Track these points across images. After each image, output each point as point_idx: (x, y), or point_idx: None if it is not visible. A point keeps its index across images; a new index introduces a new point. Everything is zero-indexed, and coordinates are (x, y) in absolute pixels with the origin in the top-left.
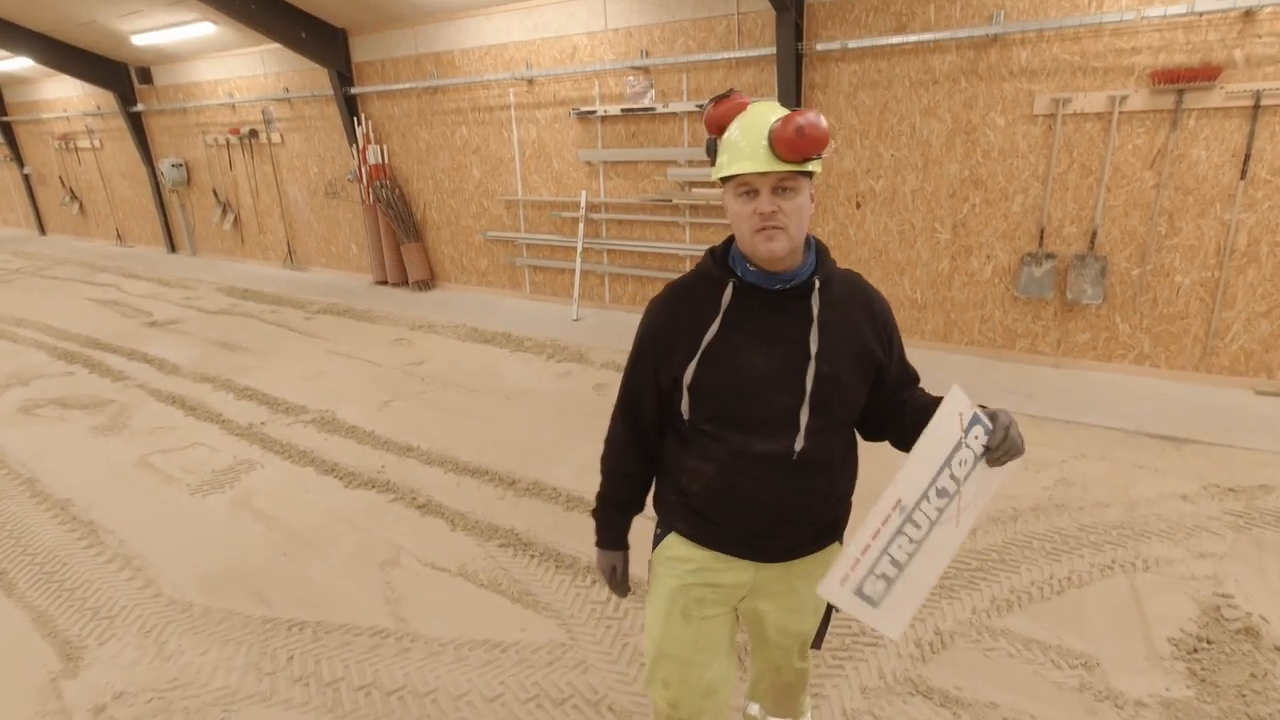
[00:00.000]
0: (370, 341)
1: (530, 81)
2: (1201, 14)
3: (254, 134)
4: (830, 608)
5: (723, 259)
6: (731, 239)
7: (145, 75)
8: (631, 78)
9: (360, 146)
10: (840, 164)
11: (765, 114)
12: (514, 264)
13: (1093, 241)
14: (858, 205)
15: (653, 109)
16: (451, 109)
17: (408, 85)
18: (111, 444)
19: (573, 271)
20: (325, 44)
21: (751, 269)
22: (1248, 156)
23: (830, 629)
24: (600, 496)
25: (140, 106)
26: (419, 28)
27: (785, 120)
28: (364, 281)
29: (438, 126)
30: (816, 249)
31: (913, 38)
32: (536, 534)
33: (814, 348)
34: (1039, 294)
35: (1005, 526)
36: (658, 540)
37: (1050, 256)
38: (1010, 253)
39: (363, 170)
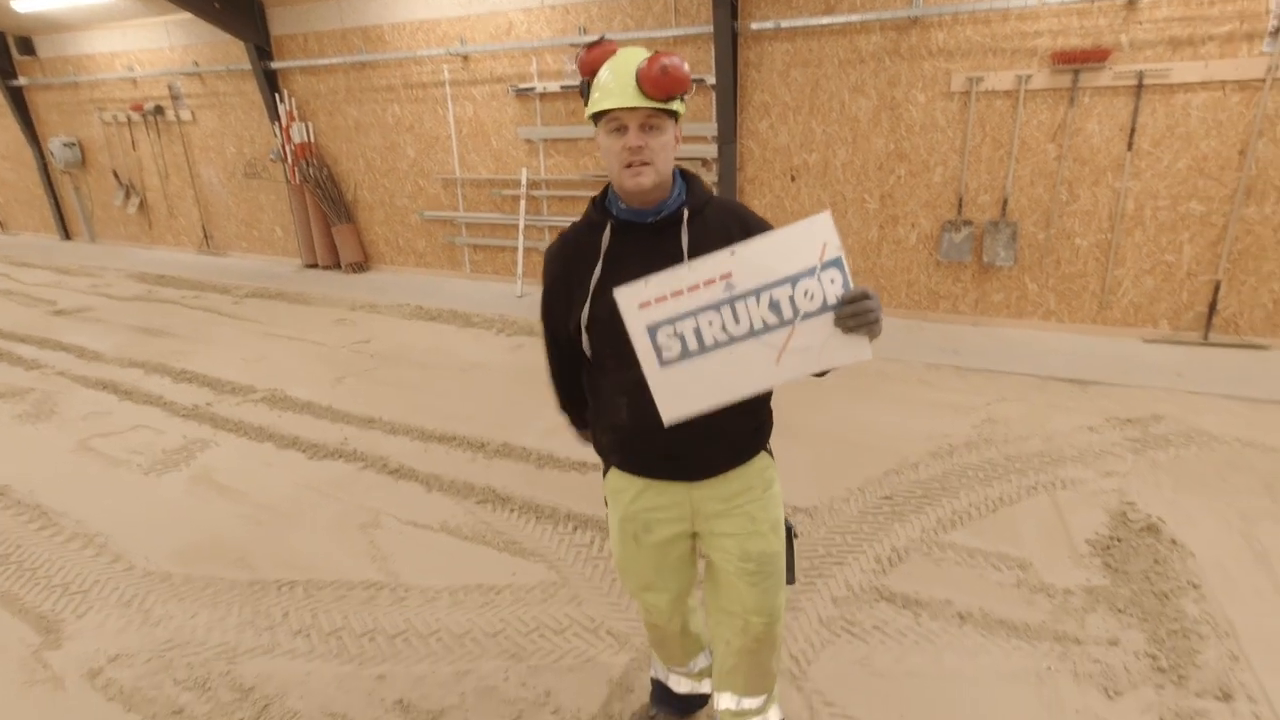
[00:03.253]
0: (310, 324)
1: (465, 58)
2: (1092, 1)
3: (160, 111)
4: (791, 535)
5: (601, 204)
6: (610, 186)
7: (26, 46)
8: (569, 55)
9: (283, 125)
10: (775, 139)
11: (633, 57)
12: (453, 243)
13: (1004, 209)
14: (792, 178)
15: None
16: (382, 85)
17: (334, 60)
18: (42, 431)
19: (514, 250)
20: (240, 15)
21: (624, 207)
22: (1133, 130)
23: (798, 553)
24: (559, 404)
25: (22, 80)
26: (344, 0)
27: (650, 61)
28: (292, 265)
29: (368, 104)
30: (687, 181)
31: (840, 19)
32: (513, 490)
33: None
34: (959, 258)
35: (943, 460)
36: (604, 472)
37: (968, 223)
38: (932, 220)
39: (287, 149)
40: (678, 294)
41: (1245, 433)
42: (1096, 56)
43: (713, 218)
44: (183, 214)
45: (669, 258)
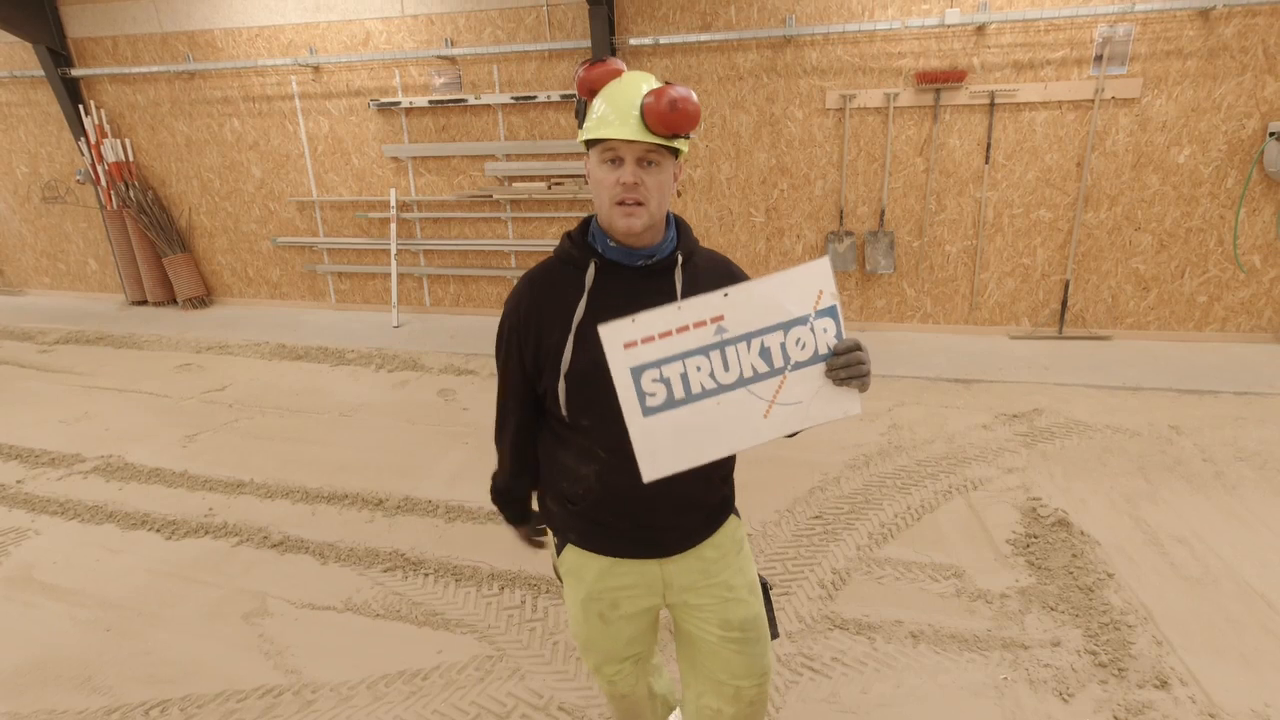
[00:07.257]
0: (145, 371)
1: (316, 69)
2: (949, 26)
3: None
4: (766, 590)
5: (581, 240)
6: (588, 221)
7: None
8: (436, 68)
9: (93, 141)
10: None
11: (639, 83)
12: (314, 271)
13: (882, 219)
14: (679, 194)
15: (464, 100)
16: (217, 98)
17: (153, 69)
18: None
19: (385, 276)
20: (27, 11)
21: (612, 245)
22: (989, 145)
23: (775, 605)
24: (498, 491)
25: None
26: (161, 0)
27: (658, 93)
28: (113, 303)
29: (199, 118)
30: (678, 226)
31: (719, 36)
32: (424, 551)
33: None
34: (844, 268)
35: (861, 471)
36: (558, 548)
37: (849, 234)
38: (816, 232)
39: (99, 169)
40: (666, 335)
41: (1110, 419)
42: (955, 77)
43: (702, 266)
44: None
45: (659, 303)
